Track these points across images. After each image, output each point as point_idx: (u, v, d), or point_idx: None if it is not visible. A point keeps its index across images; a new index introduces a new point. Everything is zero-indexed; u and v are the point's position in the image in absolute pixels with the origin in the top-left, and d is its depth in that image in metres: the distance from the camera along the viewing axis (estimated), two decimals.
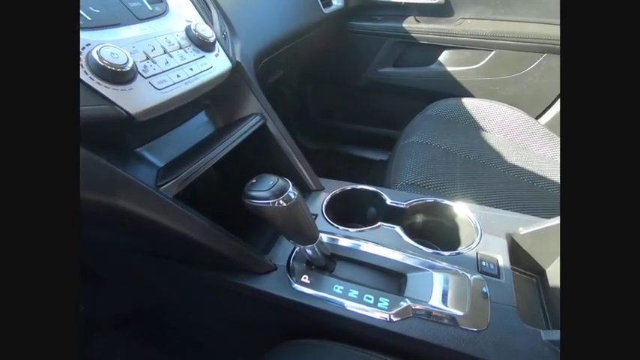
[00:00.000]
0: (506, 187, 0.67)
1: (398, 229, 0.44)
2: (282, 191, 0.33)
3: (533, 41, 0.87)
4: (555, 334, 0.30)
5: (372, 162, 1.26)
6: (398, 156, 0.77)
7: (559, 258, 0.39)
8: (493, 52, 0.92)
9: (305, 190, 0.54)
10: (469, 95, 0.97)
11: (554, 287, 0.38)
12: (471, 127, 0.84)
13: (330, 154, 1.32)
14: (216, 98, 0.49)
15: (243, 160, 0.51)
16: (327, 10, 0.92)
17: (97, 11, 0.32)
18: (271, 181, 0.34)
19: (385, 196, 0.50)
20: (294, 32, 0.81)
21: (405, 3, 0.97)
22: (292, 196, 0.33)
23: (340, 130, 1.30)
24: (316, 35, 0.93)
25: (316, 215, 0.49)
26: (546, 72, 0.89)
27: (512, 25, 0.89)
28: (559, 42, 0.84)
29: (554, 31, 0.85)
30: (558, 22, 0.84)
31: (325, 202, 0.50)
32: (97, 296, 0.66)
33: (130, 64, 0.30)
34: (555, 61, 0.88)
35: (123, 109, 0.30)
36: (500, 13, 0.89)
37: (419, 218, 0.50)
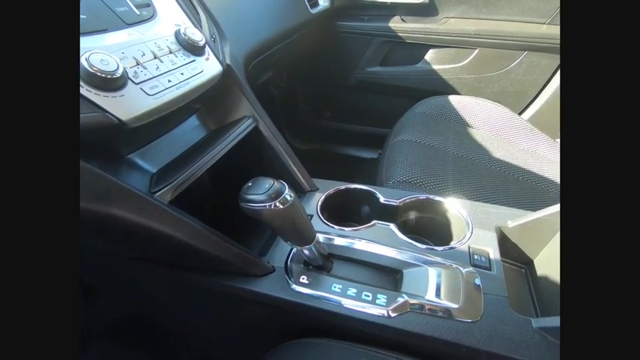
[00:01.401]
0: (493, 181, 0.69)
1: (392, 226, 0.45)
2: (278, 194, 0.33)
3: (515, 39, 0.90)
4: (545, 322, 0.31)
5: (363, 160, 1.27)
6: (388, 154, 0.78)
7: (546, 248, 0.41)
8: (477, 50, 0.95)
9: (299, 191, 0.55)
10: (455, 92, 1.00)
11: (542, 277, 0.40)
12: (459, 123, 0.87)
13: (321, 154, 1.33)
14: (207, 102, 0.49)
15: (236, 162, 0.51)
16: (314, 11, 0.93)
17: (84, 17, 0.32)
18: (267, 184, 0.34)
19: (379, 195, 0.51)
20: (282, 33, 0.81)
21: (390, 3, 0.98)
22: (289, 198, 0.33)
23: (330, 129, 1.30)
24: (304, 35, 0.93)
25: (312, 216, 0.49)
26: (528, 69, 0.92)
27: (494, 24, 0.92)
28: (539, 40, 0.88)
29: (534, 29, 0.88)
30: (538, 20, 0.87)
31: (320, 203, 0.51)
32: (89, 305, 0.65)
33: (120, 71, 0.30)
34: (536, 58, 0.91)
35: (114, 116, 0.30)
36: (483, 13, 0.92)
37: (412, 215, 0.51)
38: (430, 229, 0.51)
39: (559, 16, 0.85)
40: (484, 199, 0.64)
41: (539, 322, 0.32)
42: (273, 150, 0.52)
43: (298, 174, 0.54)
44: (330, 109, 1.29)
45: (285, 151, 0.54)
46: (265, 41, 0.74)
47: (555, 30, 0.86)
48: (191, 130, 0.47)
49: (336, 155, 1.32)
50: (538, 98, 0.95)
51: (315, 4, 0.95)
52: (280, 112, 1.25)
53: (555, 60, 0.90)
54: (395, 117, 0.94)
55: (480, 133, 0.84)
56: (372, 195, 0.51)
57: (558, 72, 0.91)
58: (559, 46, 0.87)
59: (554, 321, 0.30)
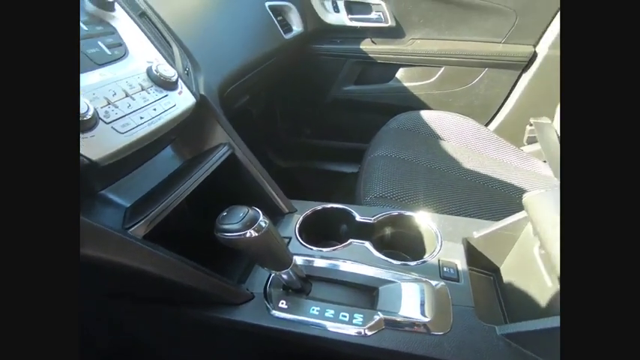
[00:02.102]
0: (464, 191, 0.73)
1: (367, 244, 0.47)
2: (252, 221, 0.34)
3: (475, 57, 0.97)
4: (508, 328, 0.33)
5: (345, 175, 1.30)
6: (366, 170, 0.81)
7: (509, 256, 0.44)
8: (443, 69, 1.02)
9: (278, 214, 0.56)
10: (426, 107, 1.05)
11: (507, 283, 0.42)
12: (430, 137, 0.91)
13: (303, 171, 1.35)
14: (182, 132, 0.50)
15: (214, 189, 0.52)
16: (287, 36, 0.97)
17: None
18: (242, 213, 0.35)
19: (355, 213, 0.53)
20: (257, 59, 0.83)
21: (360, 27, 1.04)
22: (263, 225, 0.35)
23: (311, 146, 1.33)
24: (280, 59, 0.97)
25: (290, 238, 0.50)
26: (489, 84, 0.99)
27: (456, 44, 0.99)
28: (497, 57, 0.95)
29: (491, 48, 0.95)
30: (494, 40, 0.95)
31: (298, 225, 0.52)
32: None
33: (90, 113, 0.31)
34: (496, 74, 0.98)
35: (85, 156, 0.31)
36: (445, 34, 0.99)
37: (387, 231, 0.53)
38: (405, 243, 0.53)
39: (512, 36, 0.93)
40: (456, 209, 0.67)
41: (502, 329, 0.34)
42: (250, 175, 0.54)
43: (276, 197, 0.55)
44: (309, 127, 1.32)
45: (262, 175, 0.55)
46: (240, 68, 0.77)
47: (510, 48, 0.94)
48: (166, 160, 0.48)
49: (318, 171, 1.34)
50: (501, 110, 1.02)
51: (288, 30, 0.99)
52: (260, 131, 1.27)
53: (513, 75, 0.97)
54: (372, 132, 0.98)
55: (451, 145, 0.89)
56: (349, 214, 0.53)
57: (517, 85, 0.98)
58: (515, 62, 0.95)
59: (517, 327, 0.33)
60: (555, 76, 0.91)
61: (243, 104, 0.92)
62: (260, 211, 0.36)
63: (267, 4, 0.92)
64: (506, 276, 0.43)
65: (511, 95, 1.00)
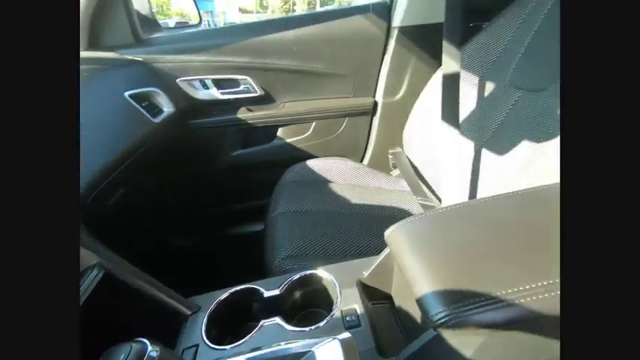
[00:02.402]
0: (359, 225, 0.84)
1: (278, 319, 0.48)
2: (140, 357, 0.31)
3: (336, 111, 1.18)
4: (400, 356, 0.39)
5: (255, 234, 1.29)
6: (269, 232, 0.84)
7: (393, 282, 0.52)
8: (314, 123, 1.19)
9: (181, 319, 0.51)
10: (311, 157, 1.19)
11: (398, 307, 0.50)
12: (320, 183, 1.03)
13: (212, 241, 1.27)
14: None
15: (96, 321, 0.43)
16: (158, 119, 0.95)
17: None
18: (123, 353, 0.31)
19: (261, 290, 0.53)
20: (125, 151, 0.78)
21: (233, 99, 1.12)
22: (154, 355, 0.32)
23: (215, 215, 1.28)
24: (155, 142, 0.93)
25: (197, 345, 0.46)
26: (353, 129, 1.22)
27: (318, 102, 1.18)
28: (351, 108, 1.19)
29: (345, 102, 1.19)
30: (345, 96, 1.18)
31: (204, 326, 0.49)
32: None
33: None
34: (355, 121, 1.21)
35: None
36: (308, 95, 1.18)
37: (297, 295, 0.55)
38: (316, 299, 0.56)
39: (356, 92, 1.18)
40: (354, 245, 0.76)
41: (399, 357, 0.40)
42: (135, 291, 0.48)
43: (173, 303, 0.50)
44: (209, 197, 1.28)
45: (151, 283, 0.50)
46: (105, 166, 0.70)
47: (358, 100, 1.19)
48: None
49: (229, 237, 1.29)
50: (368, 148, 1.25)
51: (159, 112, 0.98)
52: (154, 216, 1.14)
53: (366, 120, 1.22)
54: (270, 186, 1.03)
55: (338, 186, 1.02)
56: (255, 292, 0.53)
57: (372, 126, 1.23)
58: (364, 110, 1.19)
59: (405, 353, 0.39)
60: (392, 116, 1.19)
61: (119, 198, 0.83)
62: (147, 341, 0.33)
63: (126, 94, 0.89)
64: (396, 301, 0.51)
65: (371, 135, 1.24)
